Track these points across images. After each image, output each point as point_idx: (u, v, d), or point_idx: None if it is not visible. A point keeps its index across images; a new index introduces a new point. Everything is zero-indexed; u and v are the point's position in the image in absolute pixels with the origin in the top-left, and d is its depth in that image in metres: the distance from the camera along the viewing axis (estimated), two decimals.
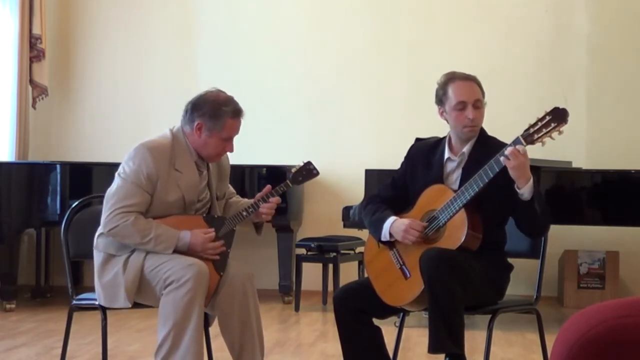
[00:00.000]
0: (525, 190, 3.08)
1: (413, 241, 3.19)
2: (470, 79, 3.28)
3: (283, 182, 3.55)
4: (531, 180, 3.08)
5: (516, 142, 3.04)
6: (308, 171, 3.64)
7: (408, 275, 3.22)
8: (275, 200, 3.49)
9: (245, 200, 3.66)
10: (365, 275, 3.42)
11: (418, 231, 3.20)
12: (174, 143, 3.39)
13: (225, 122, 3.35)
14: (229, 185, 3.70)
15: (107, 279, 3.32)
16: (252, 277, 3.39)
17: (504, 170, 3.05)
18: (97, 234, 3.40)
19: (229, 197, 3.69)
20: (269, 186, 3.53)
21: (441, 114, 3.33)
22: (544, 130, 2.98)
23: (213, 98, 3.38)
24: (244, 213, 3.48)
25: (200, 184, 3.44)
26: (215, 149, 3.40)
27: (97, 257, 3.38)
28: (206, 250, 3.34)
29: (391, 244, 3.31)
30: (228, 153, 3.58)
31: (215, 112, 3.34)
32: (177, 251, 3.31)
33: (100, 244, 3.37)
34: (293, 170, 3.65)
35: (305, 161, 3.67)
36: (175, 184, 3.35)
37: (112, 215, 3.28)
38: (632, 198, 5.31)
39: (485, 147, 3.25)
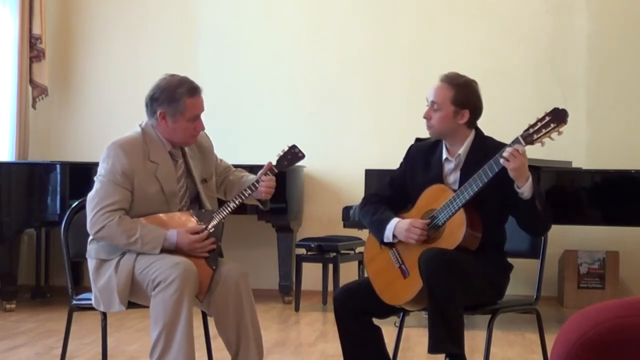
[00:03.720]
0: (525, 189, 3.08)
1: (416, 239, 3.19)
2: (442, 81, 3.29)
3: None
4: (530, 178, 3.08)
5: (516, 142, 3.04)
6: (293, 155, 3.56)
7: (407, 274, 3.22)
8: (269, 178, 3.46)
9: (249, 177, 3.60)
10: (365, 274, 3.42)
11: (420, 229, 3.19)
12: (145, 136, 3.40)
13: (184, 103, 3.34)
14: (222, 160, 3.68)
15: (102, 284, 3.31)
16: (246, 276, 3.38)
17: (503, 170, 3.05)
18: (89, 240, 3.39)
19: (225, 172, 3.65)
20: (270, 162, 3.50)
21: None
22: (544, 131, 2.98)
23: (166, 84, 3.39)
24: (237, 200, 3.43)
25: (177, 173, 3.42)
26: (185, 132, 3.38)
27: (90, 263, 3.38)
28: (194, 250, 3.32)
29: (391, 243, 3.31)
30: (206, 132, 3.58)
31: (172, 96, 3.34)
32: (165, 250, 3.29)
33: (91, 251, 3.37)
34: (278, 154, 3.56)
35: (290, 145, 3.58)
36: (152, 175, 3.35)
37: (97, 216, 3.28)
38: (632, 198, 5.30)
39: (482, 147, 3.25)
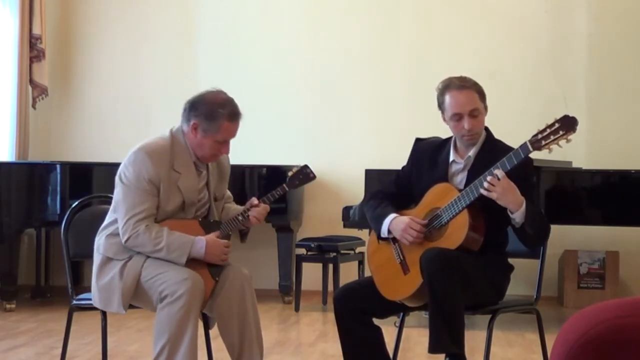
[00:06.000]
0: (517, 215, 3.08)
1: (411, 241, 3.20)
2: (466, 87, 3.24)
3: (279, 185, 3.52)
4: (524, 205, 3.07)
5: (523, 147, 3.03)
6: (305, 175, 3.61)
7: (407, 270, 3.23)
8: (264, 206, 3.47)
9: (237, 206, 3.63)
10: (366, 274, 3.42)
11: (416, 230, 3.20)
12: (173, 144, 3.35)
13: (220, 124, 3.30)
14: (227, 190, 3.67)
15: (104, 282, 3.31)
16: (250, 279, 3.38)
17: (510, 172, 3.05)
18: (98, 234, 3.39)
19: (226, 201, 3.66)
20: (253, 199, 3.51)
21: (443, 119, 3.33)
22: (552, 137, 2.97)
23: (211, 99, 3.32)
24: (240, 217, 3.47)
25: (199, 184, 3.41)
26: (210, 150, 3.35)
27: (97, 258, 3.37)
28: (219, 256, 3.33)
29: (394, 238, 3.31)
30: (229, 157, 3.59)
31: (212, 114, 3.29)
32: (192, 257, 3.28)
33: (100, 246, 3.36)
34: (290, 173, 3.62)
35: (302, 165, 3.64)
36: (175, 185, 3.32)
37: (126, 225, 3.26)
38: (632, 198, 5.30)
39: (492, 150, 3.24)
